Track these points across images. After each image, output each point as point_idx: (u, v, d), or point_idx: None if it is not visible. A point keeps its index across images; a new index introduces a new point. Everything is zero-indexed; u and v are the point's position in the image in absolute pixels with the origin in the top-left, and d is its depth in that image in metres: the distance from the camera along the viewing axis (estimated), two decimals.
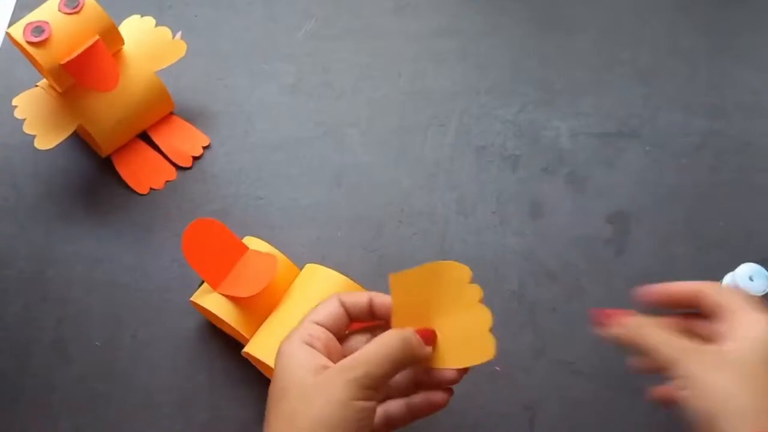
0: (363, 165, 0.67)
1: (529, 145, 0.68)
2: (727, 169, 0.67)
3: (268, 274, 0.54)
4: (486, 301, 0.53)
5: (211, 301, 0.55)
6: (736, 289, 0.42)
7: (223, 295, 0.55)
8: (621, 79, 0.71)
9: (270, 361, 0.52)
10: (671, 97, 0.70)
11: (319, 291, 0.55)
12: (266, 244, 0.58)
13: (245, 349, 0.54)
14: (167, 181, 0.67)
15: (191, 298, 0.57)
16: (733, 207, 0.65)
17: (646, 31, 0.73)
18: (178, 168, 0.67)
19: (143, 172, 0.66)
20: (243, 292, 0.54)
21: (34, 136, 0.62)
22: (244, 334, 0.54)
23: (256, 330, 0.55)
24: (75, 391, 0.58)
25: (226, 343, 0.60)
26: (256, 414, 0.57)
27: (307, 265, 0.58)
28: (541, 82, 0.71)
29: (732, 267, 0.63)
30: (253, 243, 0.58)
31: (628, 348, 0.42)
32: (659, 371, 0.40)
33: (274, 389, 0.40)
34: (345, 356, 0.40)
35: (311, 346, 0.41)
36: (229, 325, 0.55)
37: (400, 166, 0.67)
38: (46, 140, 0.62)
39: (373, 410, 0.39)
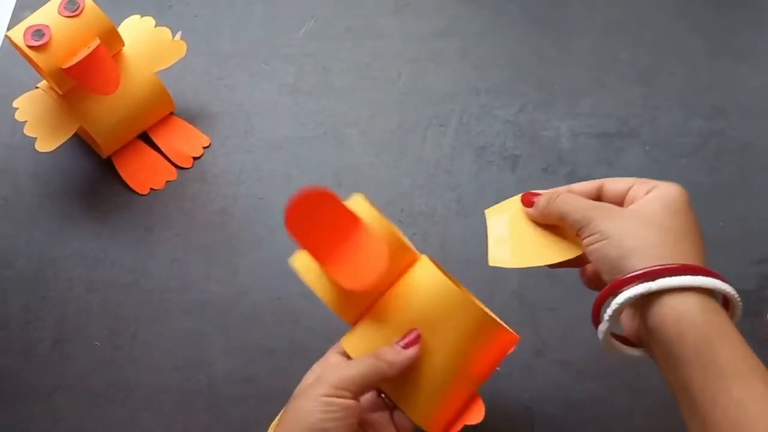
0: (363, 165, 0.67)
1: (529, 145, 0.68)
2: (727, 169, 0.67)
3: (377, 267, 0.47)
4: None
5: (312, 278, 0.49)
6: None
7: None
8: (620, 80, 0.71)
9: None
10: (671, 97, 0.70)
11: (431, 305, 0.48)
12: (373, 211, 0.49)
13: (343, 345, 0.49)
14: (168, 182, 0.67)
15: (293, 262, 0.50)
16: (733, 207, 0.65)
17: (645, 31, 0.73)
18: (179, 168, 0.67)
19: (144, 172, 0.66)
20: (347, 282, 0.47)
21: (34, 138, 0.62)
22: (342, 317, 0.50)
23: (355, 316, 0.50)
24: (75, 391, 0.58)
25: (226, 343, 0.60)
26: (257, 414, 0.57)
27: (424, 257, 0.50)
28: (540, 82, 0.71)
29: (732, 267, 0.62)
30: (358, 205, 0.50)
31: (548, 219, 0.47)
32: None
33: None
34: None
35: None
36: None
37: (400, 166, 0.67)
38: (47, 143, 0.62)
39: (347, 409, 0.43)
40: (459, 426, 0.48)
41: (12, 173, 0.67)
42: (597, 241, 0.42)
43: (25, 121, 0.62)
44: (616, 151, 0.67)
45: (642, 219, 0.42)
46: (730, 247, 0.63)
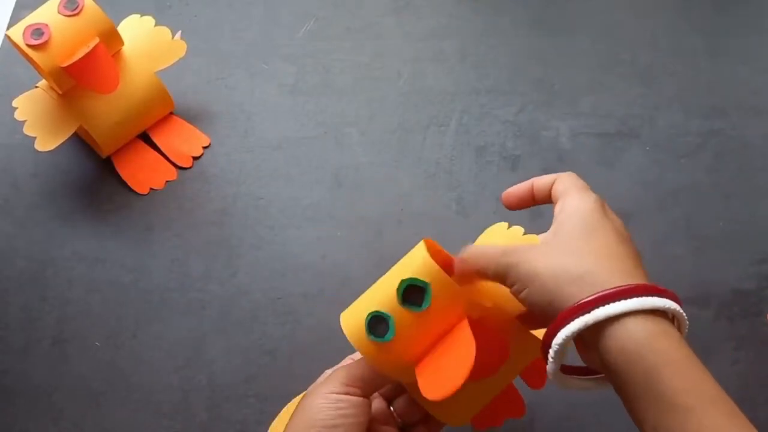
0: (363, 165, 0.67)
1: (529, 145, 0.68)
2: (727, 169, 0.67)
3: (459, 375, 0.39)
4: None
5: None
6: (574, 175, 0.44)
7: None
8: (621, 79, 0.71)
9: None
10: (671, 97, 0.70)
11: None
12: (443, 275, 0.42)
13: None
14: (167, 181, 0.67)
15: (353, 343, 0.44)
16: (733, 207, 0.65)
17: (646, 31, 0.73)
18: (179, 168, 0.67)
19: (143, 172, 0.66)
20: (428, 391, 0.40)
21: (34, 137, 0.62)
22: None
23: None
24: (75, 391, 0.58)
25: (226, 343, 0.60)
26: (256, 414, 0.57)
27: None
28: (540, 82, 0.71)
29: (732, 267, 0.62)
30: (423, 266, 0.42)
31: (471, 279, 0.43)
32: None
33: None
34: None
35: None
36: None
37: (400, 166, 0.67)
38: (47, 142, 0.62)
39: (357, 407, 0.42)
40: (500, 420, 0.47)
41: (12, 173, 0.67)
42: (520, 291, 0.39)
43: (25, 121, 0.62)
44: (616, 151, 0.67)
45: (562, 248, 0.39)
46: (730, 247, 0.63)
